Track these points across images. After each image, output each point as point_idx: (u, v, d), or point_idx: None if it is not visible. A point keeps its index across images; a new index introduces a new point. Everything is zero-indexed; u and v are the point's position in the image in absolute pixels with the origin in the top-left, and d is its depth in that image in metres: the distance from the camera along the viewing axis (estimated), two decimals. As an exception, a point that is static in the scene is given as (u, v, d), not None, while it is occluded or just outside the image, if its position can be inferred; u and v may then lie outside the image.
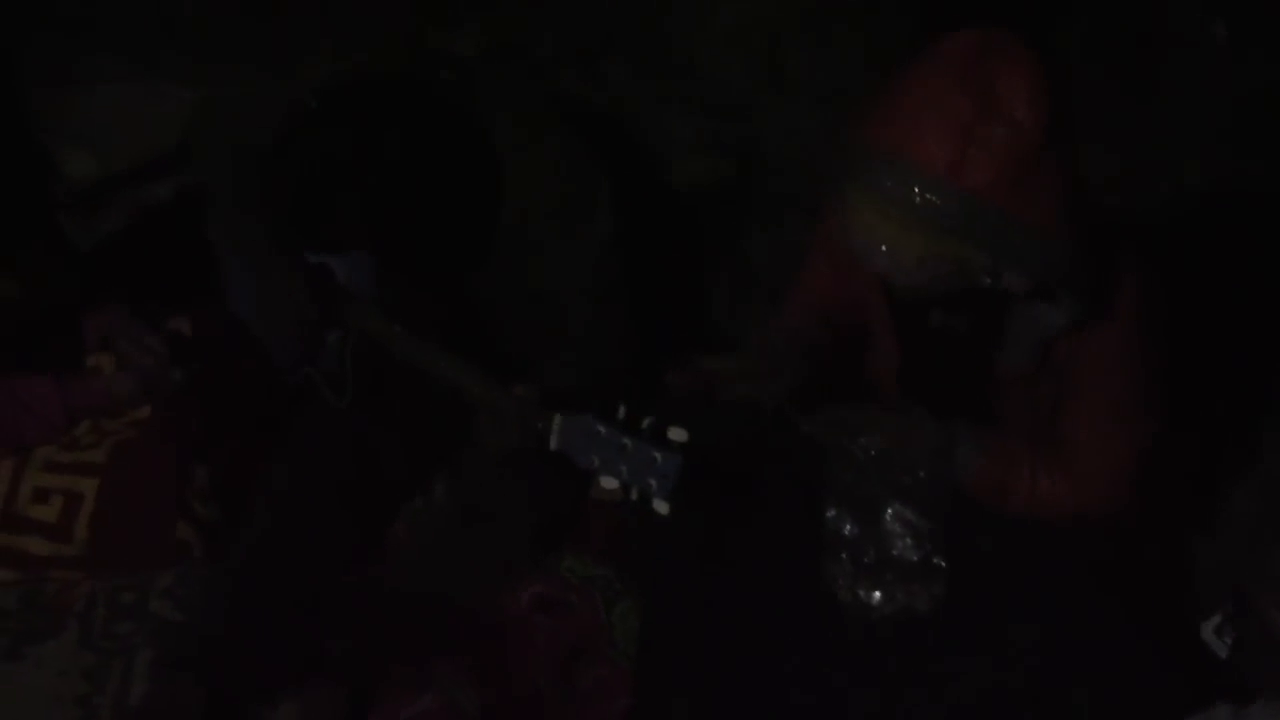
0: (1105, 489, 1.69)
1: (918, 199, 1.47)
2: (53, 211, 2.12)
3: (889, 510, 1.76)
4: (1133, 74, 2.31)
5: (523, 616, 2.00)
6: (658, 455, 1.57)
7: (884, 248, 1.52)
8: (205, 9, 3.08)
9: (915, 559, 1.75)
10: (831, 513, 1.77)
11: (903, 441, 1.74)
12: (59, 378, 2.01)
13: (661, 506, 1.57)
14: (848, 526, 1.76)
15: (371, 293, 2.02)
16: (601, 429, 1.61)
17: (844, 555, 1.76)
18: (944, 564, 1.74)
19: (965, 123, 1.46)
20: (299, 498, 2.01)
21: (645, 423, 1.59)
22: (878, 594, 1.75)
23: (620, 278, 2.00)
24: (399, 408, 2.09)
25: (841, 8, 2.13)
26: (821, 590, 1.76)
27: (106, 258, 2.50)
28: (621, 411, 1.60)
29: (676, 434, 1.58)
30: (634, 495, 1.59)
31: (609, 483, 1.61)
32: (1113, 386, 1.67)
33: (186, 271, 2.31)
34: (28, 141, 2.01)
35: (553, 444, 1.66)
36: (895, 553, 1.75)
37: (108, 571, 2.00)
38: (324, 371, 2.06)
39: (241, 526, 2.02)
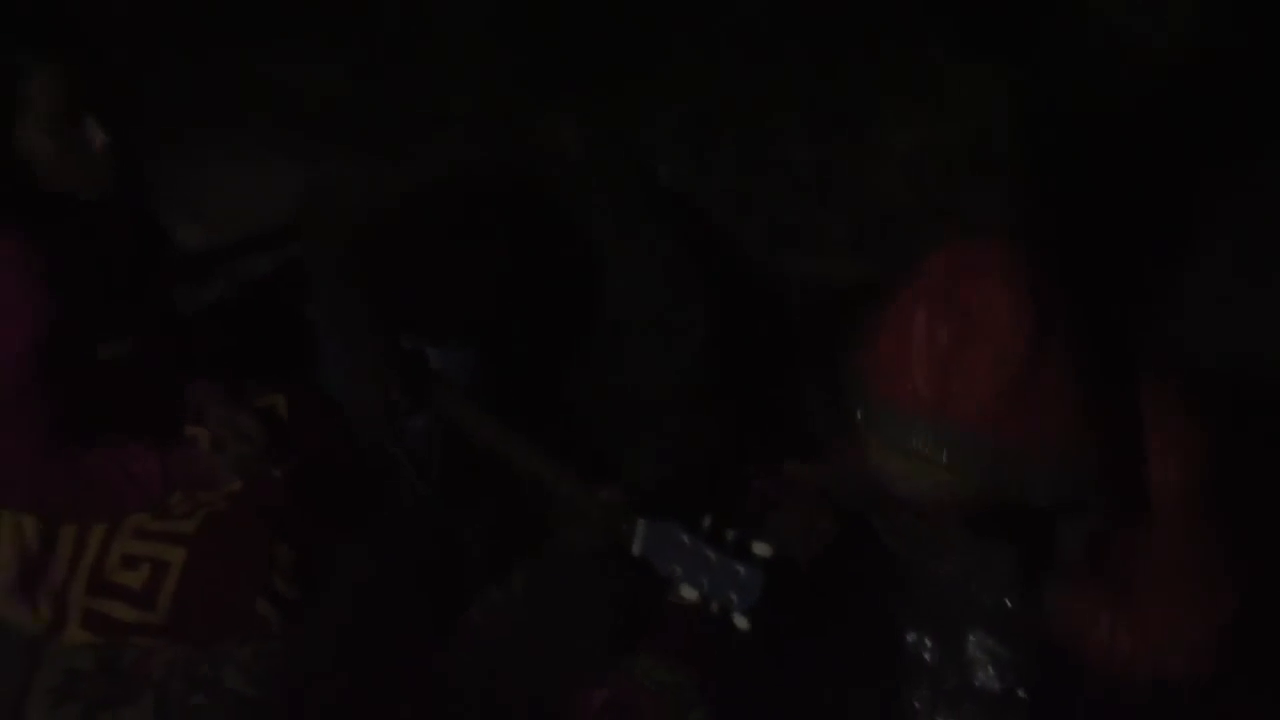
0: (1185, 658, 1.59)
1: (910, 439, 1.40)
2: (163, 279, 2.16)
3: (971, 637, 1.72)
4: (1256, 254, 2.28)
5: (593, 719, 1.98)
6: (741, 569, 1.55)
7: (896, 479, 1.45)
8: (321, 92, 3.18)
9: (997, 689, 1.71)
10: (911, 636, 1.74)
11: (987, 566, 1.70)
12: (161, 449, 2.04)
13: (741, 621, 1.56)
14: (928, 651, 1.73)
15: (464, 381, 2.05)
16: (685, 537, 1.60)
17: (924, 681, 1.72)
18: (1027, 697, 1.70)
19: (945, 354, 1.39)
20: (377, 581, 2.03)
21: (730, 534, 1.58)
22: (957, 723, 1.71)
23: (713, 381, 2.00)
24: (482, 497, 2.10)
25: (1017, 147, 2.11)
26: (898, 716, 1.72)
27: (207, 327, 2.56)
28: (707, 521, 1.60)
29: (761, 548, 1.56)
30: (714, 607, 1.58)
31: (689, 592, 1.60)
32: (1185, 558, 1.56)
33: (283, 346, 2.37)
34: (144, 210, 2.05)
35: (635, 549, 1.66)
36: (977, 682, 1.71)
37: (187, 642, 2.02)
38: (410, 456, 2.08)
39: (319, 606, 2.03)
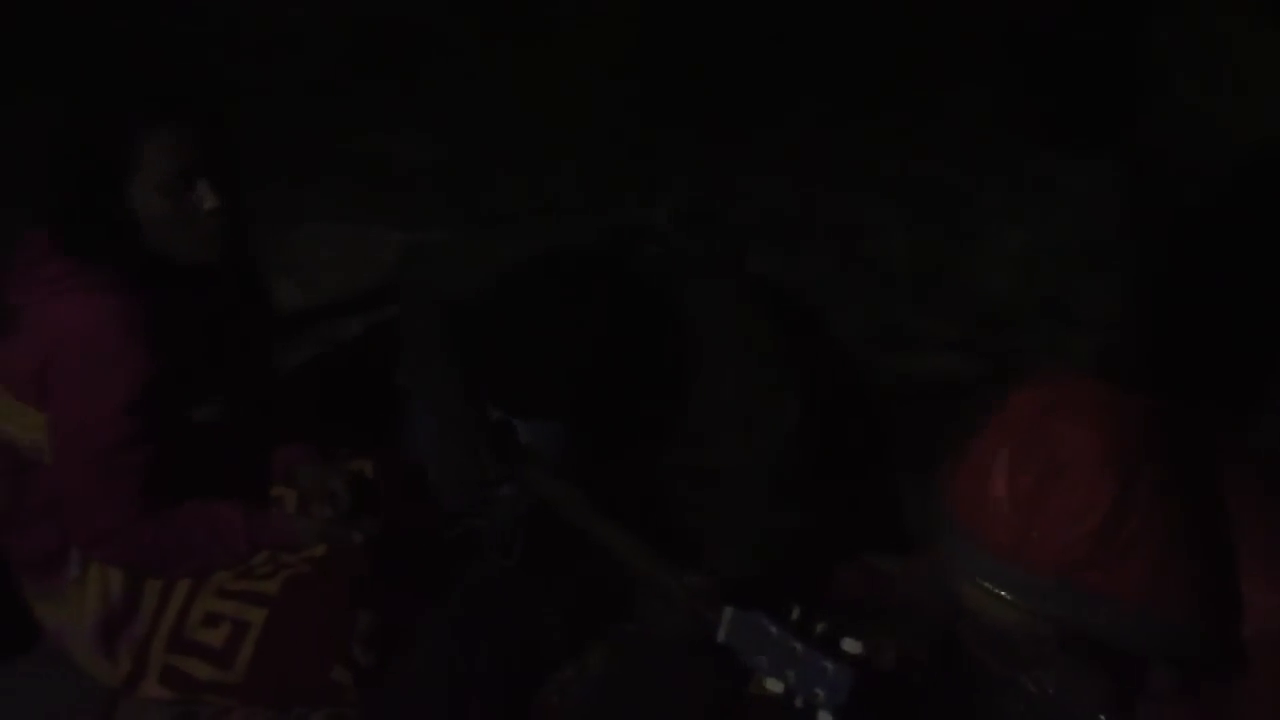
0: None
1: (989, 577, 1.38)
2: (258, 339, 2.18)
3: (1060, 754, 1.66)
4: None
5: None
6: (829, 665, 1.52)
7: (975, 610, 1.42)
8: (419, 159, 3.24)
9: (1087, 808, 1.64)
10: (999, 749, 1.68)
11: (1078, 684, 1.64)
12: (247, 508, 2.05)
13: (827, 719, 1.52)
14: (1016, 764, 1.67)
15: (551, 456, 2.04)
16: (773, 629, 1.57)
17: (1011, 794, 1.67)
18: (1118, 817, 1.63)
19: (1026, 498, 1.35)
20: (454, 654, 2.01)
21: (819, 628, 1.55)
22: (1046, 844, 1.64)
23: (803, 469, 1.97)
24: (564, 574, 2.08)
25: (1126, 241, 2.09)
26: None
27: (298, 388, 2.58)
28: (795, 613, 1.57)
29: (851, 645, 1.53)
30: (799, 703, 1.54)
31: (774, 685, 1.57)
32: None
33: (372, 411, 2.38)
34: (244, 270, 2.08)
35: (720, 636, 1.63)
36: (1066, 799, 1.65)
37: (261, 704, 2.01)
38: (493, 528, 2.08)
39: (394, 676, 2.02)
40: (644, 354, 1.90)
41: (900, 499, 2.35)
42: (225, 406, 2.05)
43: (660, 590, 1.76)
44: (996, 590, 1.38)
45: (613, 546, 1.88)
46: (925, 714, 1.74)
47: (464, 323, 2.08)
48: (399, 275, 2.26)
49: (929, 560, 1.75)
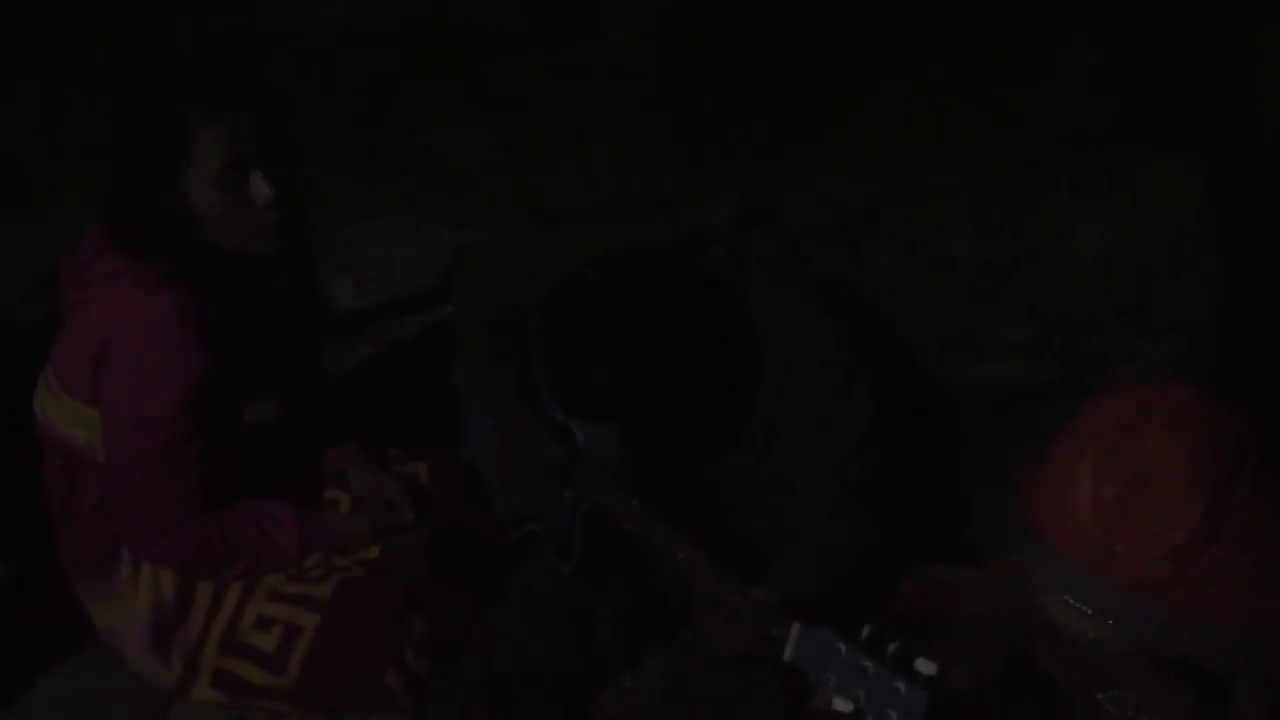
0: None
1: (1072, 591, 1.33)
2: (314, 338, 2.15)
3: (1140, 776, 1.59)
4: None
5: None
6: (901, 686, 1.45)
7: (1057, 623, 1.37)
8: (477, 157, 3.21)
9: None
10: (1076, 770, 1.61)
11: (1159, 704, 1.57)
12: (299, 509, 2.02)
13: (900, 741, 1.45)
14: (1094, 786, 1.60)
15: (612, 462, 2.00)
16: (842, 647, 1.50)
17: (1089, 818, 1.59)
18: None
19: (1111, 510, 1.30)
20: (509, 660, 1.97)
21: (891, 647, 1.48)
22: None
23: (873, 477, 1.90)
24: (622, 581, 2.03)
25: (1209, 244, 2.01)
26: None
27: (352, 388, 2.56)
28: (866, 631, 1.50)
29: (925, 666, 1.46)
30: (870, 723, 1.48)
31: (843, 705, 1.50)
32: None
33: (428, 412, 2.34)
34: (300, 268, 2.04)
35: (787, 655, 1.57)
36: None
37: (313, 708, 1.99)
38: (551, 533, 2.03)
39: (448, 681, 1.98)
40: (709, 357, 1.84)
41: (969, 508, 2.28)
42: (278, 406, 2.02)
43: (724, 603, 1.71)
44: (1077, 605, 1.34)
45: (673, 556, 1.82)
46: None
47: (524, 322, 2.04)
48: (456, 274, 2.20)
49: (1002, 573, 1.69)
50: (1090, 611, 1.33)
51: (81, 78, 3.15)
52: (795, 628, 1.56)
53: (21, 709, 2.08)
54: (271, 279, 1.99)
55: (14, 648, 2.13)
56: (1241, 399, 1.38)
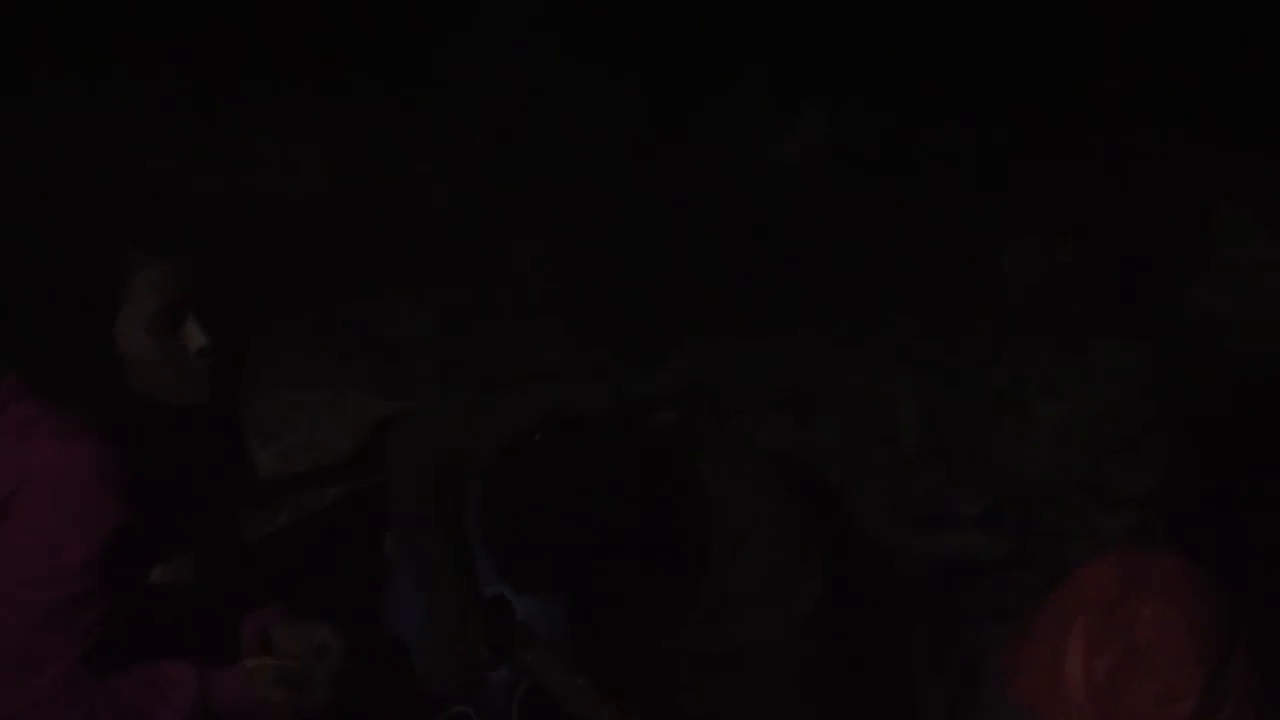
0: None
1: None
2: (233, 500, 2.04)
3: None
4: None
5: None
6: None
7: None
8: (398, 327, 3.16)
9: None
10: None
11: None
12: (201, 669, 1.86)
13: None
14: None
15: (555, 638, 1.89)
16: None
17: None
18: None
19: (1104, 684, 1.27)
20: None
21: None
22: None
23: (823, 655, 1.83)
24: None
25: (1162, 421, 2.02)
26: None
27: (269, 555, 2.43)
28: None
29: None
30: None
31: None
32: None
33: (348, 583, 2.21)
34: (225, 427, 1.95)
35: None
36: None
37: None
38: (483, 715, 1.91)
39: None
40: (661, 525, 1.77)
41: (922, 686, 2.21)
42: (189, 567, 1.89)
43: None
44: None
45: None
46: None
47: (461, 490, 1.96)
48: (389, 441, 2.12)
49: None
50: None
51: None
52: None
53: None
54: (194, 432, 1.88)
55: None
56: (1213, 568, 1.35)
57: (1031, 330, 2.06)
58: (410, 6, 3.57)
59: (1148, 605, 1.27)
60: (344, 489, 2.67)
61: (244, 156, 3.42)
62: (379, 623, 2.13)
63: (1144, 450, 1.97)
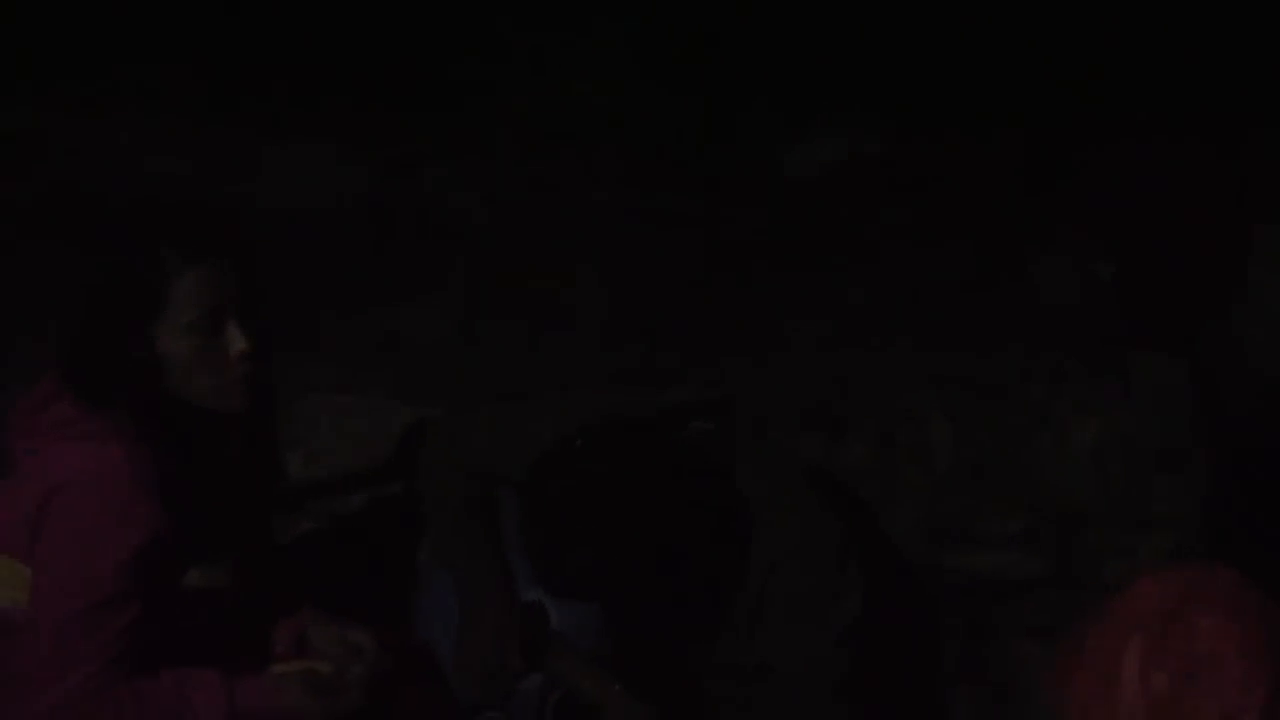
0: None
1: None
2: (269, 509, 2.04)
3: None
4: None
5: None
6: None
7: None
8: (426, 333, 3.17)
9: None
10: None
11: None
12: (229, 675, 1.86)
13: None
14: None
15: (585, 643, 1.88)
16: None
17: None
18: None
19: (1162, 705, 1.23)
20: None
21: None
22: None
23: (857, 670, 1.81)
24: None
25: (1201, 440, 2.01)
26: None
27: (297, 561, 2.43)
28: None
29: None
30: None
31: None
32: None
33: (375, 588, 2.21)
34: (263, 431, 1.95)
35: None
36: None
37: None
38: (514, 721, 1.90)
39: None
40: (696, 536, 1.76)
41: (954, 703, 2.20)
42: (227, 571, 1.88)
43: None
44: None
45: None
46: None
47: (500, 498, 1.96)
48: (422, 447, 2.11)
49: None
50: None
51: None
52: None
53: None
54: (230, 436, 1.88)
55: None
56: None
57: (1067, 347, 2.05)
58: (438, 16, 3.59)
59: (1206, 621, 1.26)
60: (370, 494, 2.67)
61: (273, 164, 3.44)
62: (410, 628, 2.13)
63: (1183, 470, 1.96)
